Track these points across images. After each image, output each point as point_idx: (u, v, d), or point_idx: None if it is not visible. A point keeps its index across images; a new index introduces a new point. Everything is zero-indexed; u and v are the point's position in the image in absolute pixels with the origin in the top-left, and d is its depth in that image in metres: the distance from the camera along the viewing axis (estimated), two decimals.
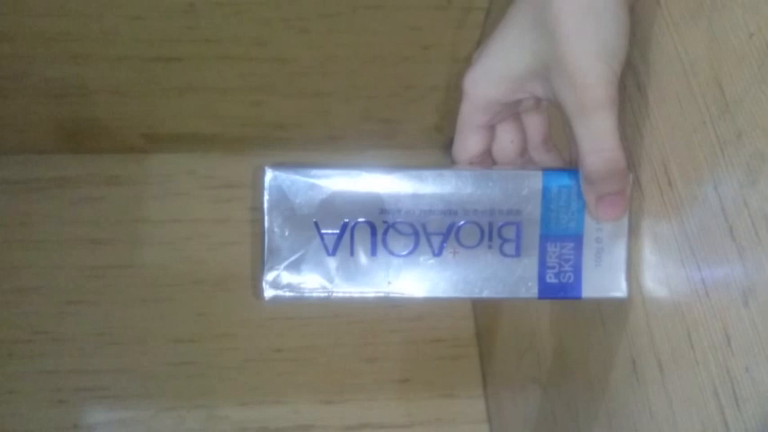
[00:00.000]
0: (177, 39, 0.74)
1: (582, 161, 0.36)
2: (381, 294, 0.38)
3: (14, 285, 0.81)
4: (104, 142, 0.86)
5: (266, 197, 0.37)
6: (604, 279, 0.39)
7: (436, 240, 0.38)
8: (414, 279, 0.38)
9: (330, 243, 0.38)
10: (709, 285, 0.33)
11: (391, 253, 0.38)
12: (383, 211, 0.37)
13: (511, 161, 0.41)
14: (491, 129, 0.40)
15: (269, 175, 0.37)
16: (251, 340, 0.80)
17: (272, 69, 0.77)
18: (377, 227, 0.38)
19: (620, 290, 0.39)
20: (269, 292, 0.38)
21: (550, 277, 0.38)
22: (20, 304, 0.80)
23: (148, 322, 0.80)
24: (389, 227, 0.38)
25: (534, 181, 0.38)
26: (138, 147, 0.87)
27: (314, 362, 0.80)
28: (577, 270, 0.38)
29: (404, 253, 0.38)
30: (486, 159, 0.41)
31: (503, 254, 0.38)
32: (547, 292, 0.38)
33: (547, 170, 0.38)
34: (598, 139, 0.35)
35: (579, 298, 0.39)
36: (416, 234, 0.38)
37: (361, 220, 0.38)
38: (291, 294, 0.38)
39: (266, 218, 0.37)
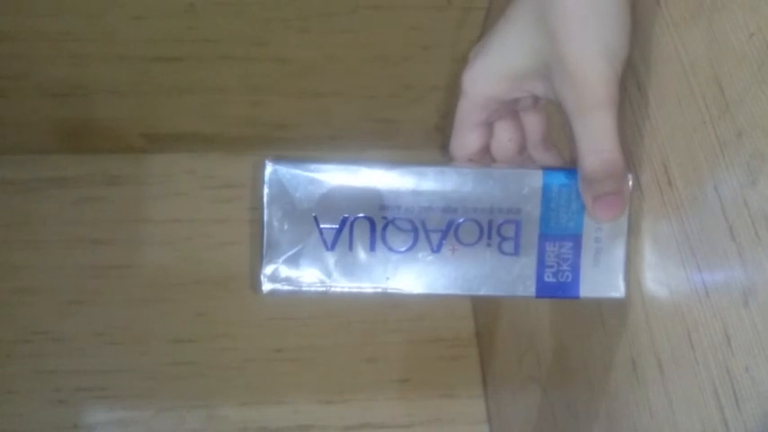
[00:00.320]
0: (177, 39, 0.74)
1: (580, 161, 0.36)
2: (379, 290, 0.38)
3: (14, 285, 0.81)
4: (104, 142, 0.86)
5: (266, 191, 0.37)
6: (602, 279, 0.39)
7: (435, 237, 0.38)
8: (412, 275, 0.38)
9: (329, 238, 0.38)
10: (709, 285, 0.33)
11: (390, 249, 0.38)
12: (383, 207, 0.37)
13: (510, 159, 0.41)
14: (489, 126, 0.40)
15: (269, 168, 0.37)
16: (251, 340, 0.80)
17: (272, 69, 0.77)
18: (376, 222, 0.38)
19: (617, 290, 0.39)
20: (267, 286, 0.38)
21: (548, 276, 0.38)
22: (20, 304, 0.80)
23: (148, 322, 0.80)
24: (389, 223, 0.38)
25: (535, 180, 0.38)
26: (138, 147, 0.87)
27: (314, 362, 0.80)
28: (576, 270, 0.38)
29: (402, 249, 0.38)
30: (485, 157, 0.41)
31: (501, 252, 0.38)
32: (544, 290, 0.38)
33: (547, 169, 0.38)
34: (597, 139, 0.35)
35: (577, 297, 0.39)
36: (416, 230, 0.38)
37: (360, 215, 0.38)
38: (289, 288, 0.38)
39: (266, 211, 0.37)
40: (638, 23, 0.38)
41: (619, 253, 0.39)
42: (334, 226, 0.38)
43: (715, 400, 0.32)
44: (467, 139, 0.40)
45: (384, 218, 0.38)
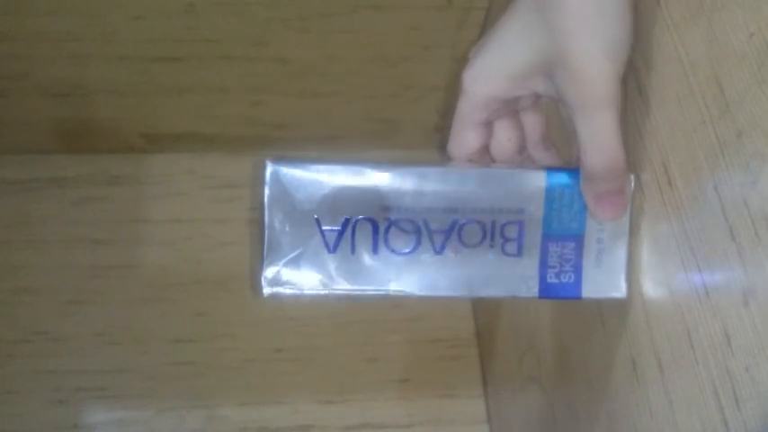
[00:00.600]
0: (177, 39, 0.74)
1: (582, 159, 0.36)
2: (382, 293, 0.38)
3: (14, 285, 0.81)
4: (104, 142, 0.86)
5: (267, 192, 0.37)
6: (604, 279, 0.39)
7: (438, 238, 0.37)
8: (414, 277, 0.38)
9: (331, 240, 0.37)
10: (709, 285, 0.33)
11: (393, 251, 0.37)
12: (385, 209, 0.37)
13: (509, 159, 0.41)
14: (488, 126, 0.40)
15: (270, 169, 0.37)
16: (251, 340, 0.80)
17: (272, 69, 0.77)
18: (379, 224, 0.37)
19: (619, 290, 0.39)
20: (268, 289, 0.38)
21: (551, 277, 0.38)
22: (20, 304, 0.80)
23: (148, 322, 0.80)
24: (391, 224, 0.37)
25: (538, 180, 0.37)
26: (138, 147, 0.87)
27: (314, 362, 0.80)
28: (578, 270, 0.38)
29: (405, 251, 0.38)
30: (483, 157, 0.41)
31: (504, 253, 0.38)
32: (547, 291, 0.38)
33: (550, 169, 0.38)
34: (599, 138, 0.35)
35: (579, 298, 0.39)
36: (418, 232, 0.37)
37: (362, 216, 0.37)
38: (291, 291, 0.38)
39: (266, 213, 0.37)
40: (639, 23, 0.38)
41: (620, 253, 0.39)
42: (336, 228, 0.37)
43: (715, 400, 0.32)
44: (466, 138, 0.40)
45: (387, 219, 0.37)
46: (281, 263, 0.37)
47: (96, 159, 0.87)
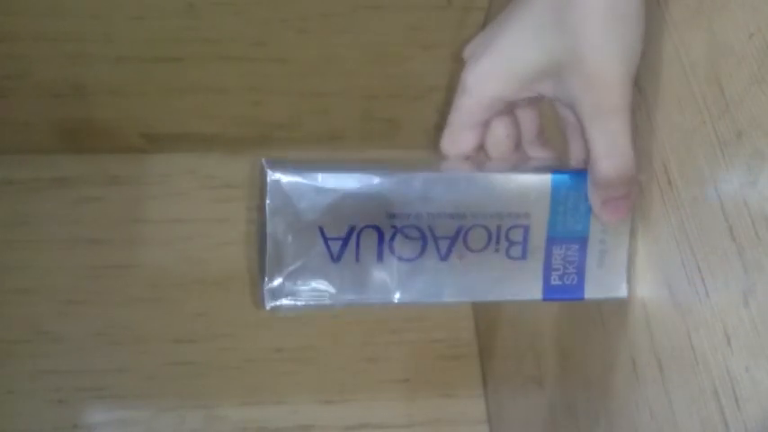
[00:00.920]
0: (177, 39, 0.74)
1: (594, 164, 0.36)
2: (386, 302, 0.37)
3: (14, 285, 0.81)
4: (104, 142, 0.86)
5: (268, 202, 0.35)
6: (606, 280, 0.39)
7: (444, 244, 0.37)
8: (420, 284, 0.37)
9: (335, 249, 0.36)
10: (709, 285, 0.33)
11: (398, 258, 0.37)
12: (391, 216, 0.36)
13: (505, 156, 0.40)
14: (486, 125, 0.40)
15: (271, 177, 0.35)
16: (251, 340, 0.80)
17: (272, 69, 0.77)
18: (384, 231, 0.36)
19: (620, 290, 0.39)
20: (271, 303, 0.36)
21: (555, 279, 0.38)
22: (20, 304, 0.80)
23: (148, 322, 0.80)
24: (397, 231, 0.36)
25: (543, 184, 0.37)
26: (138, 147, 0.87)
27: (314, 362, 0.80)
28: (581, 272, 0.38)
29: (411, 257, 0.37)
30: (478, 154, 0.40)
31: (509, 257, 0.37)
32: (551, 294, 0.38)
33: (556, 172, 0.37)
34: (613, 144, 0.35)
35: (582, 299, 0.39)
36: (424, 238, 0.37)
37: (368, 224, 0.36)
38: (294, 303, 0.36)
39: (269, 223, 0.35)
40: None
41: (622, 253, 0.38)
42: (340, 236, 0.36)
43: (715, 400, 0.32)
44: (464, 137, 0.39)
45: (393, 227, 0.36)
46: (284, 274, 0.36)
47: (96, 159, 0.87)
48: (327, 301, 0.37)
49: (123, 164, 0.87)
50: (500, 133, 0.40)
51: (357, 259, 0.36)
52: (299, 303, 0.36)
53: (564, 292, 0.38)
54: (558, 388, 0.54)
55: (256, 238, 0.37)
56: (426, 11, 0.72)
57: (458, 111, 0.39)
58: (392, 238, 0.36)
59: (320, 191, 0.35)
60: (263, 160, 0.36)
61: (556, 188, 0.37)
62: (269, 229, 0.35)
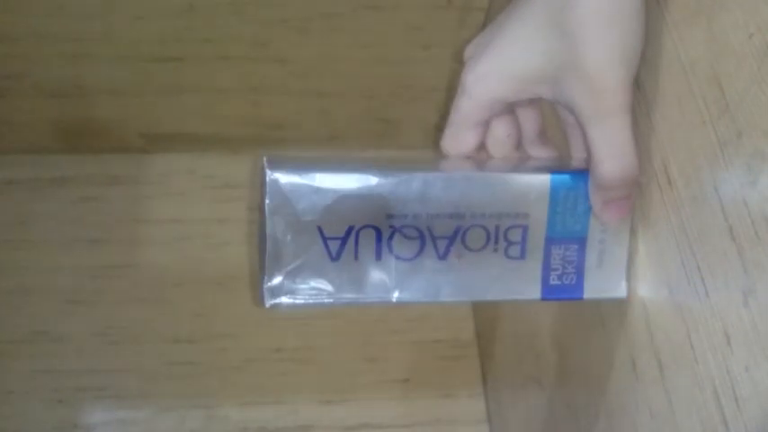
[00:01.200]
0: (177, 39, 0.74)
1: (595, 167, 0.36)
2: (385, 301, 0.37)
3: (14, 285, 0.81)
4: (104, 142, 0.86)
5: (267, 202, 0.35)
6: (605, 279, 0.39)
7: (442, 244, 0.37)
8: (418, 283, 0.37)
9: (333, 248, 0.36)
10: (709, 285, 0.33)
11: (396, 257, 0.37)
12: (390, 216, 0.36)
13: (507, 155, 0.41)
14: (486, 124, 0.40)
15: (270, 177, 0.35)
16: (251, 340, 0.80)
17: (272, 69, 0.77)
18: (383, 231, 0.36)
19: (619, 290, 0.39)
20: (270, 300, 0.37)
21: (554, 279, 0.38)
22: (20, 304, 0.80)
23: (148, 322, 0.80)
24: (395, 231, 0.37)
25: (542, 184, 0.37)
26: (138, 147, 0.87)
27: (314, 362, 0.80)
28: (580, 272, 0.38)
29: (409, 257, 0.37)
30: (479, 154, 0.40)
31: (507, 256, 0.38)
32: (550, 294, 0.38)
33: (555, 173, 0.37)
34: (614, 146, 0.35)
35: (581, 299, 0.39)
36: (422, 238, 0.37)
37: (366, 224, 0.36)
38: (293, 301, 0.37)
39: (268, 223, 0.36)
40: None
41: (621, 253, 0.38)
42: (338, 236, 0.36)
43: (715, 400, 0.32)
44: (464, 137, 0.39)
45: (391, 227, 0.36)
46: (283, 273, 0.36)
47: (96, 159, 0.87)
48: (326, 300, 0.37)
49: (123, 164, 0.87)
50: (500, 133, 0.40)
51: (356, 258, 0.37)
52: (298, 301, 0.37)
53: (563, 291, 0.38)
54: (558, 388, 0.54)
55: (257, 237, 0.37)
56: (426, 11, 0.72)
57: (457, 111, 0.39)
58: (390, 238, 0.37)
59: (318, 191, 0.36)
60: (264, 158, 0.36)
61: (555, 188, 0.37)
62: (268, 229, 0.36)
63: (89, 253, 0.83)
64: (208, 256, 0.84)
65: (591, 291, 0.38)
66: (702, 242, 0.33)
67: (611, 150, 0.35)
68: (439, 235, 0.37)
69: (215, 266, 0.83)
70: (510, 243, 0.37)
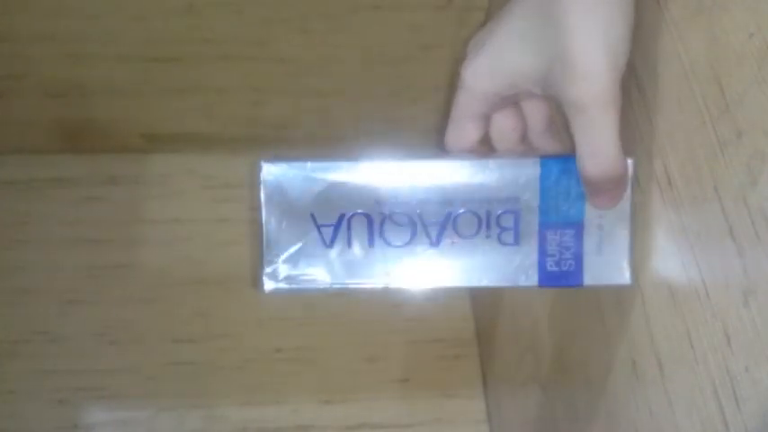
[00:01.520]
0: (177, 39, 0.74)
1: (579, 164, 0.36)
2: (381, 286, 0.38)
3: (14, 285, 0.81)
4: (104, 142, 0.86)
5: (262, 190, 0.37)
6: (607, 266, 0.38)
7: (434, 230, 0.38)
8: (412, 269, 0.38)
9: (327, 235, 0.38)
10: (709, 285, 0.33)
11: (389, 244, 0.38)
12: (379, 203, 0.37)
13: (511, 149, 0.41)
14: (487, 118, 0.40)
15: (264, 168, 0.37)
16: (251, 340, 0.80)
17: (272, 69, 0.77)
18: (374, 218, 0.38)
19: (622, 277, 0.38)
20: (268, 285, 0.38)
21: (551, 265, 0.38)
22: (20, 304, 0.80)
23: (148, 322, 0.80)
24: (386, 218, 0.38)
25: (532, 169, 0.37)
26: (138, 147, 0.87)
27: (314, 362, 0.80)
28: (578, 258, 0.38)
29: (401, 244, 0.38)
30: (483, 148, 0.41)
31: (501, 242, 0.38)
32: (547, 280, 0.38)
33: (544, 158, 0.38)
34: (596, 142, 0.34)
35: (581, 285, 0.38)
36: (413, 224, 0.38)
37: (357, 211, 0.38)
38: (291, 287, 0.38)
39: (263, 211, 0.38)
40: (638, 23, 0.38)
41: (623, 239, 0.38)
42: (331, 223, 0.38)
43: (715, 400, 0.32)
44: (465, 131, 0.40)
45: (381, 213, 0.38)
46: (280, 259, 0.38)
47: (96, 159, 0.87)
48: (322, 286, 0.38)
49: (123, 164, 0.87)
50: (504, 126, 0.40)
51: (349, 245, 0.38)
52: (294, 287, 0.38)
53: (561, 278, 0.38)
54: (558, 388, 0.54)
55: (260, 232, 0.38)
56: (426, 11, 0.72)
57: (456, 105, 0.40)
58: (382, 225, 0.38)
59: (309, 179, 0.37)
60: (261, 159, 0.38)
61: (545, 173, 0.37)
62: (264, 217, 0.38)
63: (89, 253, 0.83)
64: (208, 256, 0.84)
65: (591, 277, 0.38)
66: (702, 242, 0.33)
67: (591, 147, 0.35)
68: (430, 221, 0.38)
69: (215, 266, 0.83)
70: (503, 229, 0.38)
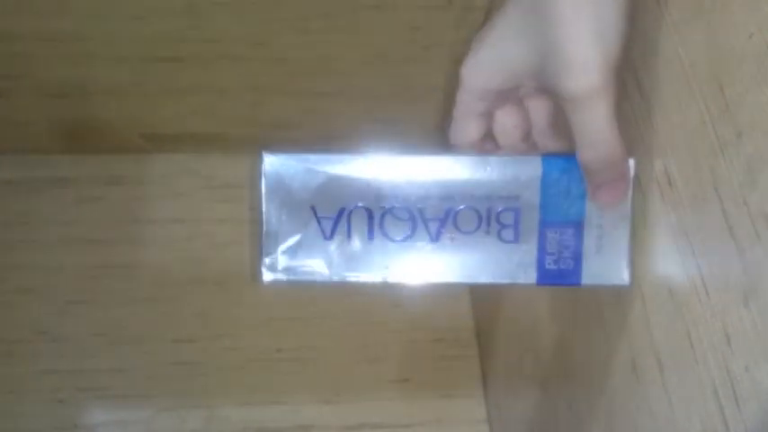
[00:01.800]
0: (177, 39, 0.74)
1: (578, 153, 0.36)
2: (379, 280, 0.38)
3: (14, 285, 0.81)
4: (104, 142, 0.86)
5: (263, 181, 0.38)
6: (606, 266, 0.38)
7: (433, 226, 0.38)
8: (411, 264, 0.38)
9: (327, 227, 0.38)
10: (709, 285, 0.33)
11: (388, 238, 0.38)
12: (380, 197, 0.38)
13: (515, 146, 0.41)
14: (489, 115, 0.40)
15: (266, 159, 0.38)
16: (251, 340, 0.80)
17: (272, 69, 0.77)
18: (374, 212, 0.38)
19: (621, 278, 0.39)
20: (267, 276, 0.38)
21: (550, 263, 0.38)
22: (20, 304, 0.80)
23: (148, 322, 0.80)
24: (386, 212, 0.38)
25: (533, 167, 0.38)
26: (138, 147, 0.87)
27: (314, 362, 0.80)
28: (578, 257, 0.38)
29: (400, 238, 0.38)
30: (487, 144, 0.41)
31: (501, 239, 0.38)
32: (546, 278, 0.38)
33: (546, 156, 0.38)
34: (593, 130, 0.35)
35: (579, 285, 0.38)
36: (413, 219, 0.38)
37: (358, 204, 0.38)
38: (289, 278, 0.38)
39: (264, 202, 0.38)
40: (638, 23, 0.38)
41: (622, 240, 0.38)
42: (331, 215, 0.38)
43: (715, 400, 0.32)
44: (467, 127, 0.40)
45: (382, 207, 0.38)
46: (279, 250, 0.38)
47: (96, 159, 0.87)
48: (320, 278, 0.38)
49: (123, 164, 0.87)
50: (506, 123, 0.40)
51: (349, 238, 0.38)
52: (293, 278, 0.38)
53: (560, 277, 0.38)
54: (558, 388, 0.54)
55: (260, 224, 0.39)
56: (426, 11, 0.72)
57: (456, 102, 0.40)
58: (382, 219, 0.38)
59: (311, 171, 0.38)
60: (263, 150, 0.38)
61: (546, 172, 0.37)
62: (264, 208, 0.38)
63: (89, 253, 0.83)
64: (208, 256, 0.84)
65: (590, 277, 0.38)
66: (702, 242, 0.33)
67: (589, 136, 0.35)
68: (430, 217, 0.38)
69: (215, 266, 0.83)
70: (503, 226, 0.38)
